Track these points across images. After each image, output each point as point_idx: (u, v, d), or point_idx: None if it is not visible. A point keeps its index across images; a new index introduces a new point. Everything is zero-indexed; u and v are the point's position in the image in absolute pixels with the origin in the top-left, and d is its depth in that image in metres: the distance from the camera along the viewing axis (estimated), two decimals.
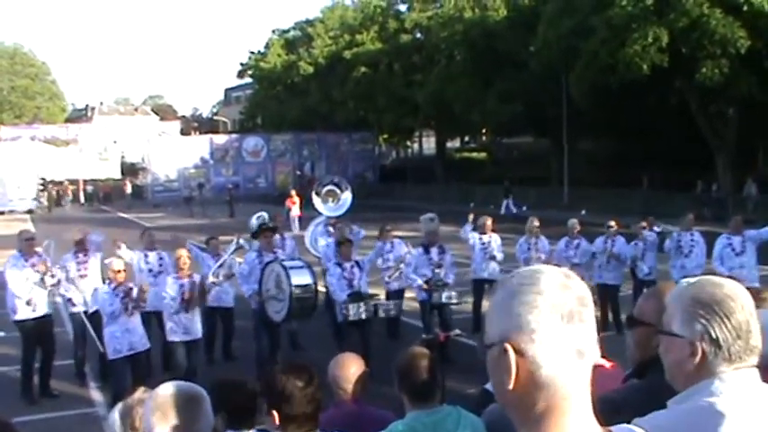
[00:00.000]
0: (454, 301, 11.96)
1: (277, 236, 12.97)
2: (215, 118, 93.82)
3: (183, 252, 10.31)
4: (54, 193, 56.00)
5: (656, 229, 13.49)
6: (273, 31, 71.81)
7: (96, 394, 10.47)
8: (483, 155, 65.54)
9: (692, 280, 2.11)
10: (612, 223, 13.42)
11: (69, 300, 11.02)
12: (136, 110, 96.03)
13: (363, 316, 10.75)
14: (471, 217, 13.90)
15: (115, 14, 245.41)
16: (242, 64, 73.48)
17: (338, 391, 4.31)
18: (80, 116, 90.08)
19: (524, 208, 36.98)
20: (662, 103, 36.14)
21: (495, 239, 13.63)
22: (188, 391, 2.71)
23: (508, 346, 1.45)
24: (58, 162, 54.49)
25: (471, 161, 63.67)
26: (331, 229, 14.06)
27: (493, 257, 13.41)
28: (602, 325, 12.43)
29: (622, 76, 32.02)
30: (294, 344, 12.39)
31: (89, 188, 61.22)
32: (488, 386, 4.01)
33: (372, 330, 11.28)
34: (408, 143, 69.93)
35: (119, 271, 9.40)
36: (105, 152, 63.80)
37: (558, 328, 1.44)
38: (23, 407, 9.71)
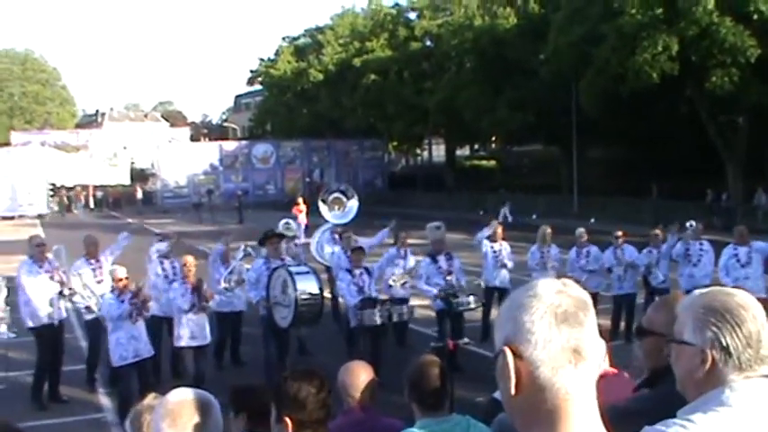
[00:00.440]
0: (473, 305, 11.92)
1: (284, 243, 13.07)
2: (225, 124, 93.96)
3: (189, 258, 10.40)
4: (66, 198, 56.24)
5: (670, 235, 13.38)
6: (283, 39, 72.16)
7: (105, 400, 10.50)
8: (493, 163, 65.47)
9: (703, 290, 2.12)
10: (619, 233, 13.39)
11: (87, 307, 11.04)
12: (146, 116, 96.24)
13: (378, 321, 10.75)
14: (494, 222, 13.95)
15: (126, 20, 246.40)
16: (252, 71, 73.72)
17: (347, 399, 4.31)
18: (90, 122, 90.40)
19: (534, 216, 36.95)
20: (672, 112, 36.09)
21: (505, 247, 13.62)
22: (198, 398, 2.71)
23: (506, 350, 1.47)
24: (68, 167, 54.57)
25: (481, 169, 63.61)
26: (337, 236, 14.09)
27: (504, 265, 13.40)
28: (612, 335, 12.41)
29: (632, 84, 31.98)
30: (302, 350, 12.40)
31: (99, 194, 61.35)
32: (497, 395, 4.02)
33: (386, 337, 11.29)
34: (418, 150, 69.91)
35: (121, 279, 9.44)
36: (115, 158, 63.88)
37: (553, 329, 1.46)
38: (33, 412, 9.75)
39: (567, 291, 1.51)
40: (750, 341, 1.97)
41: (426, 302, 12.82)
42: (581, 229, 13.73)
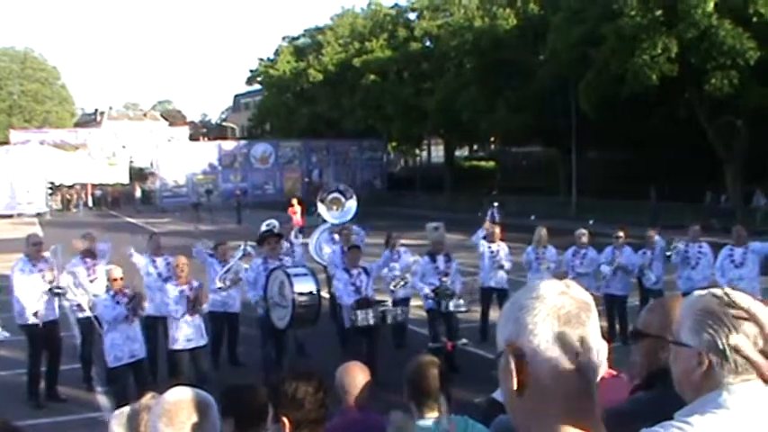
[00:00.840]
0: (463, 309, 11.87)
1: (286, 243, 13.09)
2: (224, 124, 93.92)
3: (181, 259, 10.33)
4: (68, 196, 56.33)
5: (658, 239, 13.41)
6: (283, 38, 72.24)
7: (102, 399, 10.49)
8: (491, 164, 65.49)
9: (703, 291, 2.11)
10: (621, 233, 13.38)
11: (78, 305, 11.04)
12: (145, 115, 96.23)
13: (371, 322, 10.74)
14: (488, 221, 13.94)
15: (125, 19, 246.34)
16: (251, 71, 73.69)
17: (345, 399, 4.31)
18: (89, 121, 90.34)
19: (533, 217, 36.90)
20: (671, 114, 36.06)
21: (503, 248, 13.62)
22: (196, 398, 2.71)
23: (509, 350, 1.48)
24: (67, 166, 54.50)
25: (480, 170, 63.62)
26: (336, 236, 14.09)
27: (501, 266, 13.40)
28: (609, 336, 12.40)
29: (631, 86, 32.00)
30: (300, 350, 12.40)
31: (97, 193, 61.35)
32: (496, 395, 4.02)
33: (380, 338, 11.27)
34: (417, 151, 69.89)
35: (116, 279, 9.42)
36: (114, 157, 63.82)
37: (555, 330, 1.46)
38: (30, 411, 9.74)
39: (570, 292, 1.52)
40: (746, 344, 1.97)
41: (420, 302, 12.83)
42: (581, 230, 13.69)
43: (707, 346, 1.99)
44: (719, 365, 1.98)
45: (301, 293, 10.01)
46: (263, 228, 14.74)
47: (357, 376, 4.33)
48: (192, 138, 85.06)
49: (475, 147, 73.32)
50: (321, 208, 14.55)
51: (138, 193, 58.87)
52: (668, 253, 12.93)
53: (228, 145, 66.25)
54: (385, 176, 67.57)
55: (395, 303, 12.25)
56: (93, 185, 60.65)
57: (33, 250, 10.55)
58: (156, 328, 11.17)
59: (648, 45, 31.17)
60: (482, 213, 31.44)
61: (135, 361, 9.45)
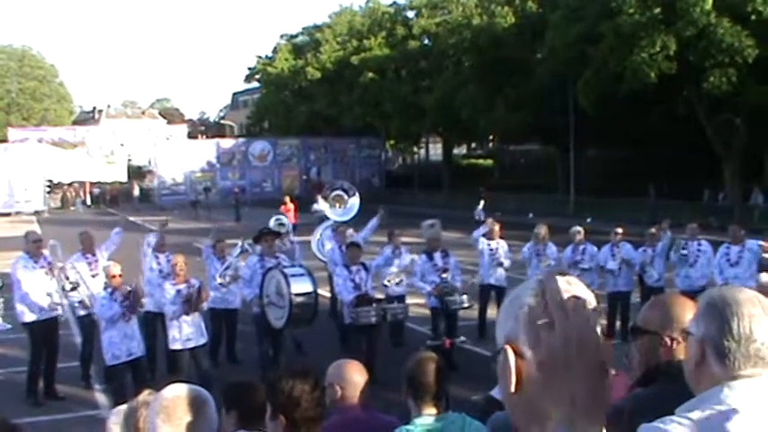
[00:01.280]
0: (467, 304, 11.86)
1: (287, 241, 13.14)
2: (222, 122, 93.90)
3: (179, 258, 10.29)
4: (69, 194, 56.40)
5: (663, 233, 13.42)
6: (281, 36, 72.17)
7: (100, 397, 10.49)
8: (489, 162, 65.52)
9: (721, 288, 2.16)
10: (619, 230, 13.40)
11: (80, 302, 11.03)
12: (143, 113, 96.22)
13: (373, 321, 10.73)
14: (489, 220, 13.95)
15: (123, 17, 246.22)
16: (249, 68, 73.56)
17: (344, 397, 4.30)
18: (87, 119, 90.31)
19: (531, 215, 36.91)
20: (669, 112, 36.09)
21: (502, 245, 13.62)
22: (193, 394, 2.71)
23: (507, 348, 1.46)
24: (65, 164, 54.46)
25: (478, 168, 63.66)
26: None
27: (500, 264, 13.39)
28: (609, 332, 12.41)
29: (630, 83, 31.99)
30: (298, 348, 12.40)
31: (96, 191, 61.32)
32: (493, 393, 4.02)
33: (380, 336, 11.27)
34: (415, 149, 69.87)
35: (115, 276, 9.40)
36: (112, 155, 63.78)
37: None
38: (28, 408, 9.73)
39: (571, 289, 1.50)
40: (739, 338, 1.97)
41: (422, 300, 12.82)
42: (576, 228, 13.69)
43: (705, 339, 2.01)
44: (716, 360, 1.99)
45: (298, 294, 9.99)
46: (272, 222, 14.75)
47: (355, 373, 4.32)
48: (191, 136, 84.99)
49: (473, 145, 73.39)
50: (324, 205, 14.55)
51: (136, 192, 58.87)
52: (683, 252, 12.82)
53: (227, 143, 66.26)
54: (383, 174, 67.60)
55: (389, 300, 12.26)
56: (92, 183, 60.58)
57: (33, 247, 10.53)
58: (155, 324, 11.17)
59: (647, 43, 31.16)
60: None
61: (133, 359, 9.42)
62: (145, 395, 3.58)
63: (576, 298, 1.31)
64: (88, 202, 59.44)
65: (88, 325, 10.94)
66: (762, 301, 2.04)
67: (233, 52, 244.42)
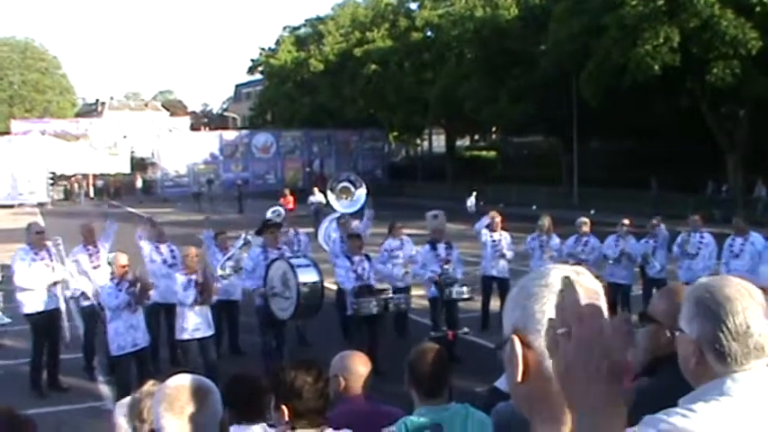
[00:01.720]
0: (466, 296, 11.83)
1: (291, 231, 13.14)
2: (225, 114, 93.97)
3: (192, 250, 10.20)
4: (75, 186, 56.53)
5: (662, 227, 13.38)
6: (284, 28, 72.21)
7: (105, 388, 10.50)
8: (493, 153, 65.44)
9: (704, 279, 2.12)
10: (626, 221, 13.36)
11: (82, 293, 11.05)
12: (146, 105, 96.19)
13: (374, 311, 10.74)
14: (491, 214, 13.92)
15: (126, 9, 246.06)
16: (252, 60, 73.67)
17: (348, 388, 4.30)
18: (90, 111, 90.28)
19: (534, 207, 36.87)
20: (673, 104, 36.03)
21: (505, 237, 13.59)
22: (196, 384, 2.71)
23: (515, 338, 1.46)
24: (68, 156, 54.47)
25: (481, 159, 63.57)
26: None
27: (503, 255, 13.38)
28: None
29: (633, 75, 31.95)
30: (301, 339, 12.41)
31: (99, 183, 61.35)
32: (497, 384, 4.03)
33: (383, 327, 11.28)
34: (418, 141, 69.84)
35: (123, 266, 9.37)
36: (115, 147, 63.82)
37: None
38: (32, 400, 9.73)
39: (580, 280, 1.49)
40: (737, 335, 1.97)
41: (425, 292, 12.81)
42: (581, 219, 13.66)
43: (699, 336, 2.01)
44: (711, 356, 1.99)
45: (305, 284, 9.97)
46: (269, 214, 14.76)
47: (359, 365, 4.32)
48: (194, 128, 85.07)
49: (476, 136, 73.29)
50: (331, 197, 14.54)
51: (139, 184, 58.87)
52: (688, 249, 12.77)
53: (230, 135, 66.28)
54: (386, 166, 67.64)
55: (394, 292, 12.25)
56: (95, 176, 60.62)
57: (36, 238, 10.52)
58: (158, 315, 11.18)
59: (650, 35, 31.11)
60: (483, 203, 31.46)
61: (138, 350, 9.42)
62: (149, 386, 3.59)
63: (593, 306, 1.30)
64: (91, 194, 59.46)
65: (91, 316, 10.96)
66: (748, 289, 2.04)
67: (236, 44, 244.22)
